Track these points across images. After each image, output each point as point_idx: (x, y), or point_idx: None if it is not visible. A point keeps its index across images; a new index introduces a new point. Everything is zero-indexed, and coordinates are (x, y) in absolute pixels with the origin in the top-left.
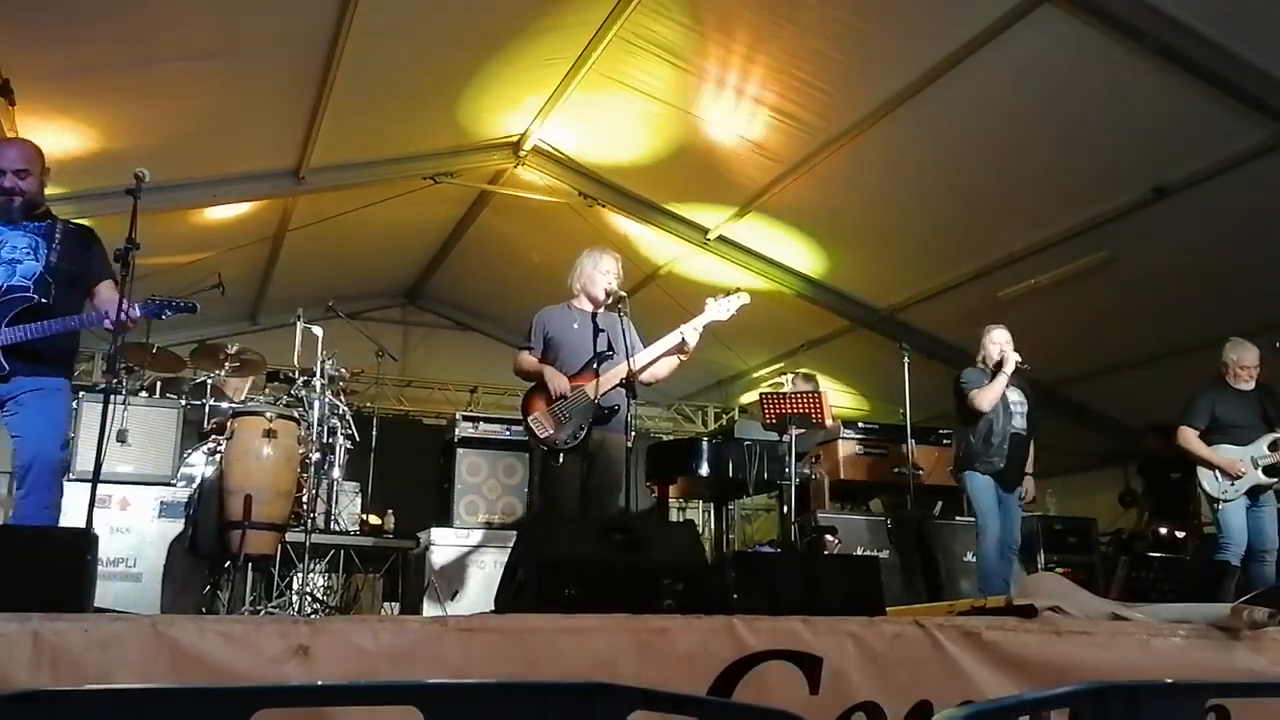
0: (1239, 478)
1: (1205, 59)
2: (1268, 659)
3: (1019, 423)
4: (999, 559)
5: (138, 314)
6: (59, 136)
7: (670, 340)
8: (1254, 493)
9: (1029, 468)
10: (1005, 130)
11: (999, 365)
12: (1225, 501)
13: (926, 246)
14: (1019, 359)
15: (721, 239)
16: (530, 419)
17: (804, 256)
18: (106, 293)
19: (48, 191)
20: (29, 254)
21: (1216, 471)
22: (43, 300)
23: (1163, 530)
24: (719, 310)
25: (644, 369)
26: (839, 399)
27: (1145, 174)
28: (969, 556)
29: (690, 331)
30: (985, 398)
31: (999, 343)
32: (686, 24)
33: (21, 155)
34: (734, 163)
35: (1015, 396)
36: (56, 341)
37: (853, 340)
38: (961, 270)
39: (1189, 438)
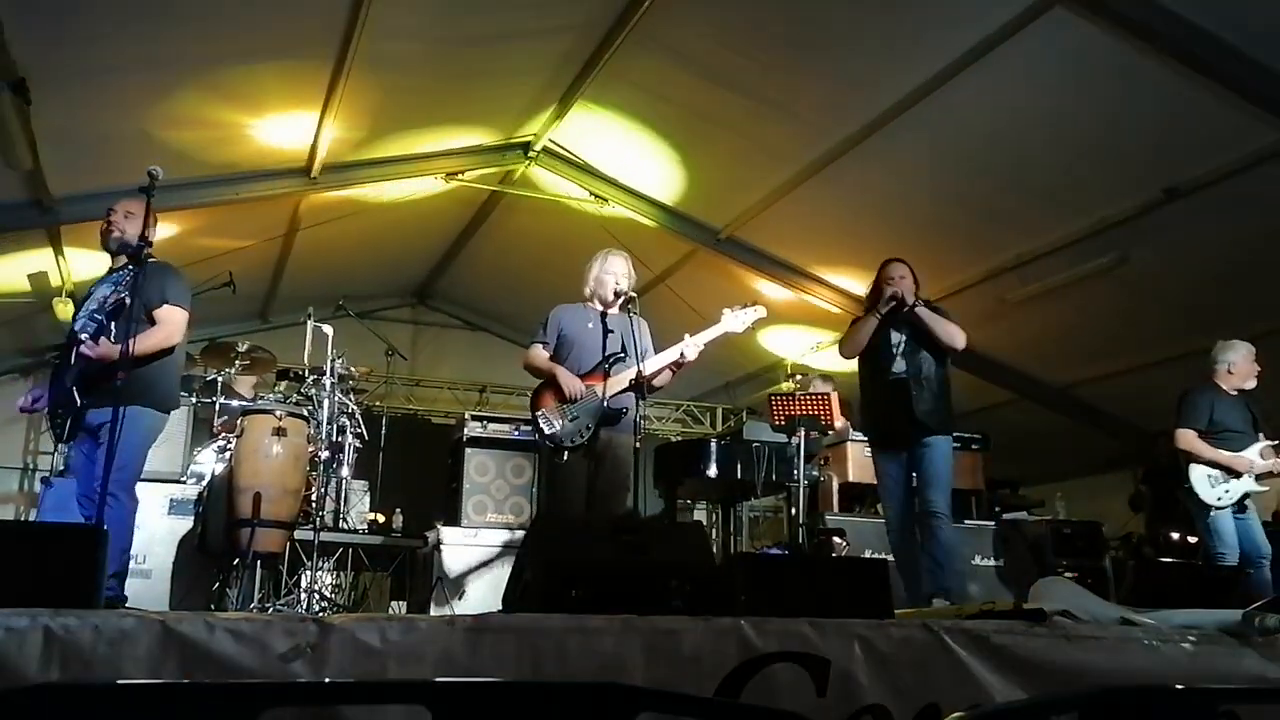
0: (1239, 478)
1: (1216, 60)
2: (1279, 665)
3: (900, 366)
4: (900, 544)
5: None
6: (73, 136)
7: (672, 354)
8: (1240, 501)
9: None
10: (1016, 131)
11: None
12: (1218, 509)
13: (937, 248)
14: (898, 291)
15: (732, 240)
16: (538, 414)
17: (816, 257)
18: (162, 315)
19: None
20: (100, 303)
21: (1212, 477)
22: (88, 338)
23: (1173, 535)
24: (734, 322)
25: (653, 375)
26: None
27: (1156, 176)
28: (978, 560)
29: (691, 349)
30: (844, 343)
31: (889, 277)
32: (698, 26)
33: (128, 202)
34: (744, 164)
35: (895, 337)
36: (128, 367)
37: None
38: (972, 272)
39: (1190, 439)
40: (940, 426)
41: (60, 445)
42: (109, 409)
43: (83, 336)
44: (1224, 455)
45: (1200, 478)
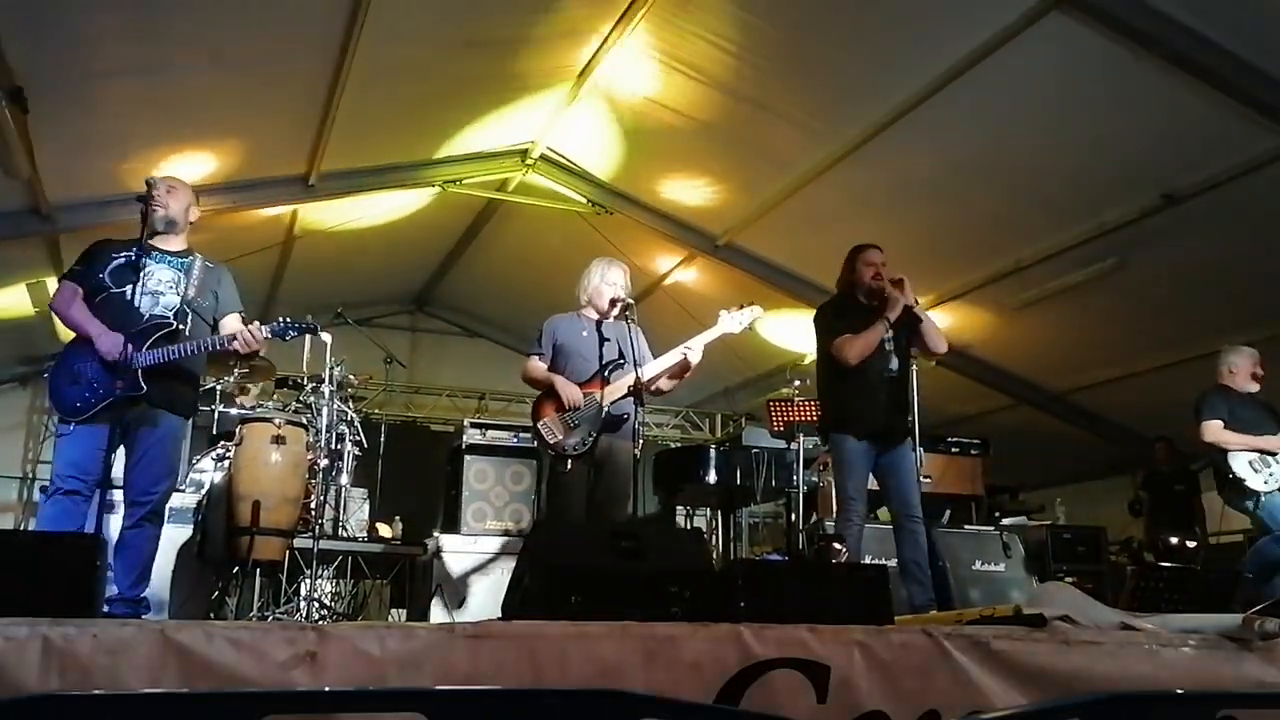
0: (1277, 459)
1: (1215, 66)
2: (1279, 670)
3: (894, 363)
4: (857, 544)
5: (265, 335)
6: (71, 145)
7: (673, 357)
8: None
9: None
10: (1014, 137)
11: (874, 296)
12: (1267, 494)
13: (936, 254)
14: (910, 301)
15: (730, 246)
16: (540, 424)
17: (814, 264)
18: (232, 324)
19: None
20: (171, 287)
21: (1254, 463)
22: (179, 328)
23: (1173, 540)
24: (731, 323)
25: (652, 381)
26: None
27: (1154, 181)
28: (978, 565)
29: (693, 352)
30: (855, 348)
31: (874, 263)
32: (693, 32)
33: (173, 179)
34: (743, 171)
35: (887, 332)
36: (186, 375)
37: None
38: (971, 278)
39: (1217, 429)
40: (911, 430)
41: (62, 421)
42: (151, 411)
43: (177, 326)
44: (1254, 440)
45: (1243, 466)
